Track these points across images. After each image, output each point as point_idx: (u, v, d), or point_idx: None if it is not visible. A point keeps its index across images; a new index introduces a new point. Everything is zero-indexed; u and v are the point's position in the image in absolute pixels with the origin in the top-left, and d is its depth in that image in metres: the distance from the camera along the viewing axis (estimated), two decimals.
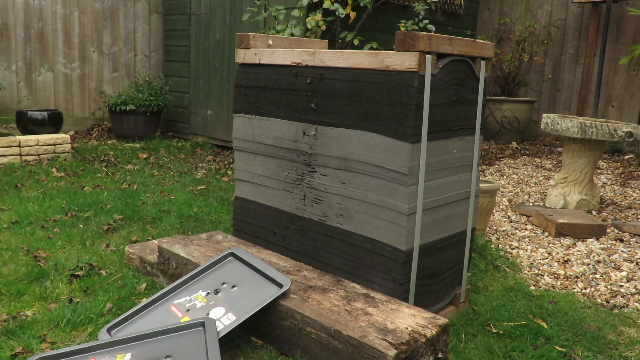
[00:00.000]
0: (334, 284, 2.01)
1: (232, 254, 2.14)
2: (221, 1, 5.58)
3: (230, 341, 1.91)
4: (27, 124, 4.89)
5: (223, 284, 2.02)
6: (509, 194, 4.44)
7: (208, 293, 1.98)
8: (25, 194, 3.70)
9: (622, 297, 2.57)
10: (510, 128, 6.54)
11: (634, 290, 2.64)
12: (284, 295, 1.88)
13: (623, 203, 4.17)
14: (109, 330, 1.87)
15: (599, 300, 2.52)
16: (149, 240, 2.86)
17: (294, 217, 2.29)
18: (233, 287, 2.00)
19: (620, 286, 2.68)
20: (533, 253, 3.11)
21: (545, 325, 2.18)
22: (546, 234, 3.45)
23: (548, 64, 6.95)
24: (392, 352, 1.56)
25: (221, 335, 1.79)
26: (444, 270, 2.16)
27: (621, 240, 3.34)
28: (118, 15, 6.34)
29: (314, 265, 2.22)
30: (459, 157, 2.12)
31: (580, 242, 3.28)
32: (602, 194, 4.40)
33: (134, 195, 3.76)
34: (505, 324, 2.18)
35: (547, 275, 2.80)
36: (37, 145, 4.72)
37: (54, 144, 4.83)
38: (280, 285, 1.91)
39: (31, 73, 5.91)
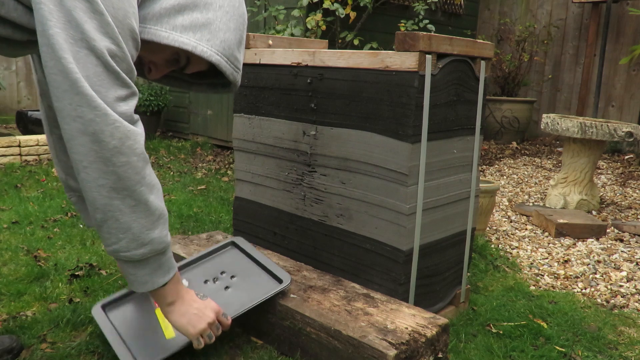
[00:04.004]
0: (334, 284, 2.01)
1: (233, 243, 2.12)
2: None
3: (230, 341, 1.91)
4: (27, 124, 4.89)
5: (222, 272, 2.00)
6: (509, 194, 4.44)
7: (206, 281, 1.97)
8: (25, 194, 3.70)
9: (622, 297, 2.57)
10: (510, 128, 6.54)
11: (634, 290, 2.64)
12: (284, 295, 1.88)
13: (623, 203, 4.17)
14: (103, 307, 1.88)
15: (599, 300, 2.52)
16: None
17: (294, 217, 2.29)
18: (232, 277, 1.98)
19: (620, 286, 2.68)
20: (533, 253, 3.11)
21: (545, 325, 2.18)
22: (546, 234, 3.45)
23: (548, 64, 6.95)
24: (392, 352, 1.56)
25: None
26: (444, 270, 2.16)
27: (621, 240, 3.34)
28: None
29: (314, 265, 2.22)
30: (459, 157, 2.12)
31: (580, 242, 3.28)
32: (602, 194, 4.40)
33: None
34: (505, 324, 2.18)
35: (547, 275, 2.80)
36: (37, 145, 4.72)
37: None
38: (280, 281, 1.90)
39: (31, 73, 5.88)
